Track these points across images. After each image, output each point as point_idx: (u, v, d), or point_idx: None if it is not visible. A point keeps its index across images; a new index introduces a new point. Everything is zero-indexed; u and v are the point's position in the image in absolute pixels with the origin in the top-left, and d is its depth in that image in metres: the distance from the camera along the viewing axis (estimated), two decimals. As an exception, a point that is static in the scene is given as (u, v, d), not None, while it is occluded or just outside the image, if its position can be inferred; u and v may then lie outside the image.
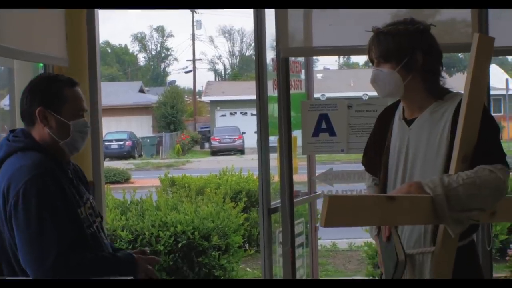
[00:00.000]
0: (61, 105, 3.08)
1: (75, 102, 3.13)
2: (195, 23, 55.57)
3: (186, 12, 58.17)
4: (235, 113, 43.53)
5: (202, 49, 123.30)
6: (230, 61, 76.54)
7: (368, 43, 3.14)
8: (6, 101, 5.47)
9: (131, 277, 3.02)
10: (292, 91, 5.07)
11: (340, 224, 2.72)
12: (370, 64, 3.18)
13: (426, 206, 2.71)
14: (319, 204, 3.33)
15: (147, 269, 3.17)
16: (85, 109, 3.19)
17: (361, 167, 3.56)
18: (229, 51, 76.44)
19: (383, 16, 3.72)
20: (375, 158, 3.30)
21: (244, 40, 74.30)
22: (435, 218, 2.74)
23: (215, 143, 37.86)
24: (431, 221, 2.80)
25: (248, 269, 9.52)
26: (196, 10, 49.56)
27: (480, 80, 2.88)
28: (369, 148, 3.40)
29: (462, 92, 2.91)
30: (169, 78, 72.15)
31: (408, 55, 3.02)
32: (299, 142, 5.38)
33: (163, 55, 78.06)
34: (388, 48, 3.05)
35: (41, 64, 4.61)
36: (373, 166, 3.35)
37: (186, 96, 52.82)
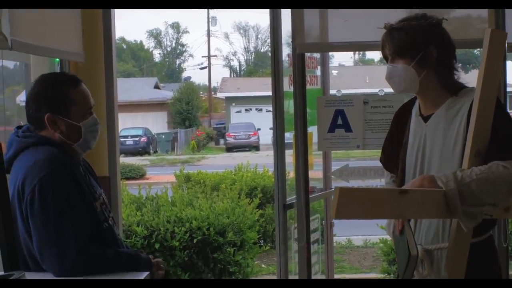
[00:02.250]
0: (68, 108, 3.05)
1: (82, 102, 3.10)
2: (210, 20, 55.71)
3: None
4: (250, 109, 43.53)
5: (217, 45, 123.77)
6: (245, 57, 76.59)
7: (381, 39, 3.14)
8: (22, 97, 5.48)
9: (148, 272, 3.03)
10: (308, 87, 5.05)
11: (351, 216, 2.72)
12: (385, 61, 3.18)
13: (438, 200, 2.71)
14: (335, 200, 3.33)
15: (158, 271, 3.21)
16: (93, 105, 3.17)
17: (376, 164, 3.55)
18: (244, 48, 76.49)
19: (398, 12, 3.72)
20: (393, 155, 3.30)
21: (259, 36, 74.31)
22: (447, 212, 2.73)
23: (230, 140, 37.86)
24: (443, 215, 2.78)
25: (263, 265, 9.52)
26: (212, 6, 49.62)
27: (492, 75, 2.86)
28: (387, 145, 3.39)
29: (476, 87, 2.90)
30: (184, 74, 72.35)
31: (422, 50, 3.01)
32: (314, 138, 5.37)
33: (178, 51, 78.14)
34: (402, 44, 3.04)
35: (57, 59, 4.61)
36: (391, 163, 3.34)
37: (201, 92, 52.88)
